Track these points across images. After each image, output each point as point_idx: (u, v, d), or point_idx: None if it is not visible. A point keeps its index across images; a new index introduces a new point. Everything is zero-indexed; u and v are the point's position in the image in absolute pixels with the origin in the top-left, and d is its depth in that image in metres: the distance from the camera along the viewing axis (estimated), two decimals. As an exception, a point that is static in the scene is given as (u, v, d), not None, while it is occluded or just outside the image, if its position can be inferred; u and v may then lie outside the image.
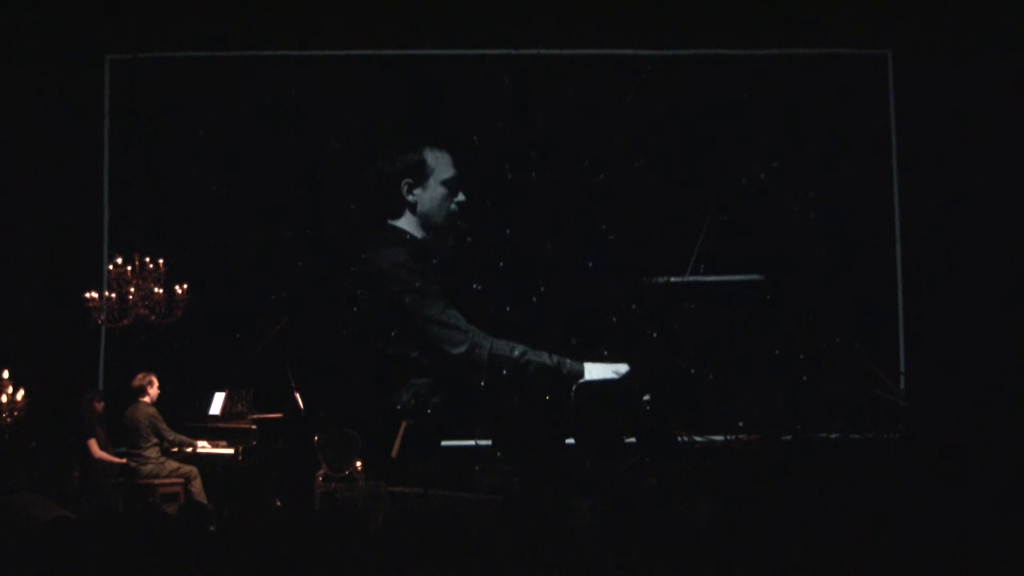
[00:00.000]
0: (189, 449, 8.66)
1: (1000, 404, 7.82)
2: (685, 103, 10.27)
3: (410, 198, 10.06)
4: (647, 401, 9.58)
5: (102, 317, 8.49)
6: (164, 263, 8.45)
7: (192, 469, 8.52)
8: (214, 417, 9.04)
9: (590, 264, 10.12)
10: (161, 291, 8.40)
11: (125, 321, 8.43)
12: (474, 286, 10.06)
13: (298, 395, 8.98)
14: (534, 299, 10.06)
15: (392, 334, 9.93)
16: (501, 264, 10.11)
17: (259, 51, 10.17)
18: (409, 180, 10.04)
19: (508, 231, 10.12)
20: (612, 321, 10.05)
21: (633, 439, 9.26)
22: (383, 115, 10.19)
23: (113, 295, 8.38)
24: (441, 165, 10.06)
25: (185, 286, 8.52)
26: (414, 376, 9.89)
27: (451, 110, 10.20)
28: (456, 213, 10.07)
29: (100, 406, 8.69)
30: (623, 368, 9.90)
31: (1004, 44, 9.78)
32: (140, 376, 8.65)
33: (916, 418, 8.32)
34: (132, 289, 8.33)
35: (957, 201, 9.88)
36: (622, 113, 10.21)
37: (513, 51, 10.28)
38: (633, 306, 10.04)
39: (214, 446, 8.82)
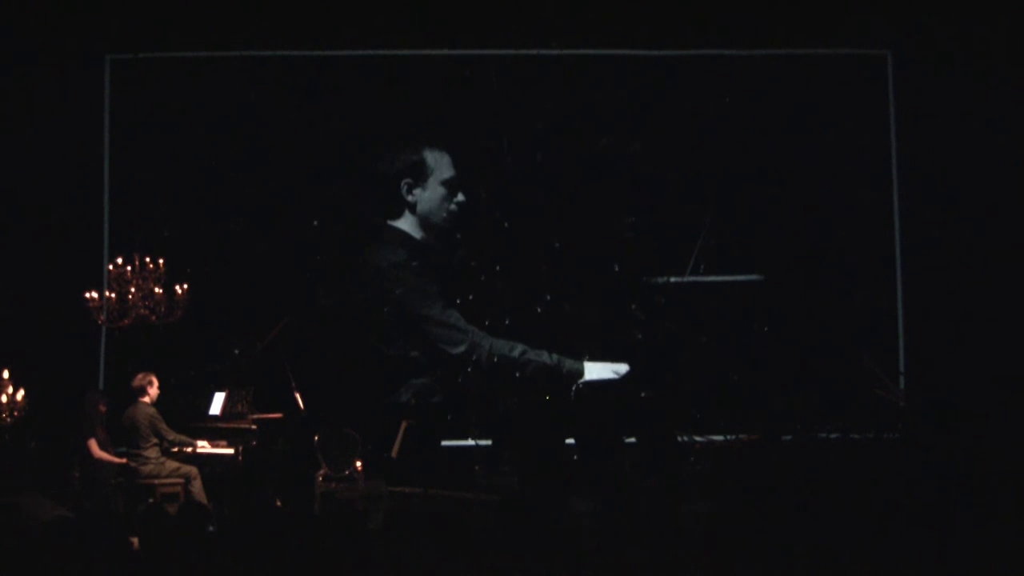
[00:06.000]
0: (189, 449, 8.65)
1: (1000, 404, 7.82)
2: (686, 103, 10.26)
3: (410, 198, 10.06)
4: (647, 401, 9.59)
5: (102, 317, 8.48)
6: (164, 263, 8.43)
7: (192, 469, 8.51)
8: (214, 417, 9.03)
9: (590, 264, 10.13)
10: (161, 291, 8.38)
11: (125, 321, 8.42)
12: (473, 287, 10.07)
13: (298, 395, 8.98)
14: (534, 299, 10.07)
15: (392, 334, 9.94)
16: (501, 264, 10.12)
17: (259, 51, 10.17)
18: (409, 180, 10.05)
19: (508, 231, 10.12)
20: (612, 321, 10.05)
21: (633, 439, 9.27)
22: (383, 115, 10.19)
23: (113, 295, 8.37)
24: (441, 165, 10.07)
25: (185, 286, 8.51)
26: (414, 376, 9.90)
27: (451, 110, 10.20)
28: (456, 213, 10.07)
29: (104, 408, 8.68)
30: (623, 368, 9.91)
31: (1004, 44, 9.78)
32: (140, 376, 8.64)
33: (916, 418, 8.33)
34: (132, 289, 8.31)
35: (957, 201, 9.88)
36: (622, 113, 10.22)
37: (513, 51, 10.29)
38: (633, 306, 10.05)
39: (214, 446, 8.81)
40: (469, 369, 9.90)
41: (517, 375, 9.85)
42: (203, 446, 8.77)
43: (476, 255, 10.11)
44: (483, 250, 10.12)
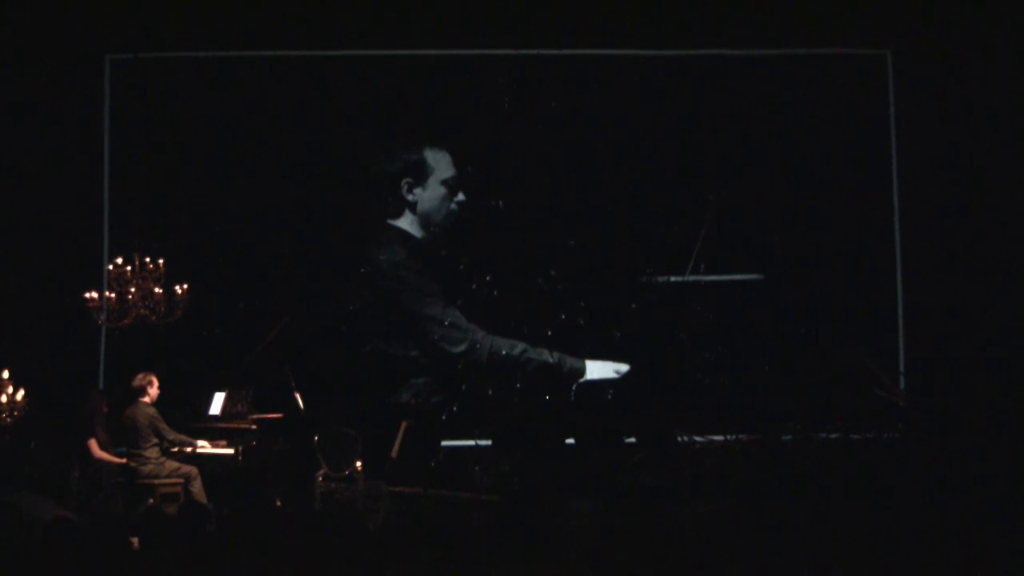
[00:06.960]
0: (189, 449, 8.65)
1: (1000, 403, 7.82)
2: (685, 103, 10.26)
3: (410, 197, 10.07)
4: (647, 401, 9.59)
5: (102, 317, 8.49)
6: (164, 263, 8.44)
7: (192, 469, 8.51)
8: (214, 417, 9.03)
9: (590, 264, 10.13)
10: (161, 291, 8.39)
11: (125, 321, 8.42)
12: (473, 286, 10.07)
13: (298, 395, 8.98)
14: (534, 298, 10.07)
15: (392, 334, 9.94)
16: (501, 264, 10.12)
17: (259, 51, 10.17)
18: (409, 179, 10.06)
19: (508, 230, 10.13)
20: (612, 321, 10.05)
21: (633, 439, 9.27)
22: (383, 115, 10.19)
23: (113, 295, 8.37)
24: (441, 165, 10.07)
25: (185, 286, 8.51)
26: (414, 376, 9.90)
27: (451, 110, 10.20)
28: (456, 213, 10.08)
29: (105, 409, 8.68)
30: (623, 368, 9.91)
31: (1003, 44, 9.78)
32: (140, 376, 8.64)
33: (916, 418, 8.33)
34: (132, 289, 8.31)
35: (957, 201, 9.88)
36: (622, 113, 10.22)
37: (513, 51, 10.29)
38: (633, 306, 10.05)
39: (214, 446, 8.81)
40: (470, 368, 9.89)
41: (518, 374, 9.85)
42: (203, 446, 8.77)
43: (475, 255, 10.12)
44: (482, 250, 10.12)
